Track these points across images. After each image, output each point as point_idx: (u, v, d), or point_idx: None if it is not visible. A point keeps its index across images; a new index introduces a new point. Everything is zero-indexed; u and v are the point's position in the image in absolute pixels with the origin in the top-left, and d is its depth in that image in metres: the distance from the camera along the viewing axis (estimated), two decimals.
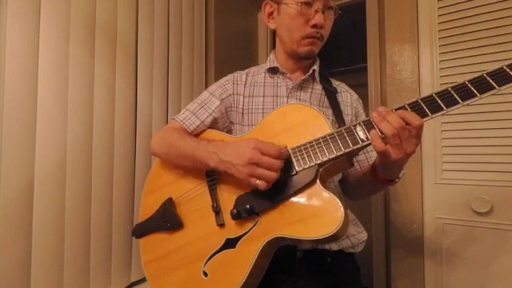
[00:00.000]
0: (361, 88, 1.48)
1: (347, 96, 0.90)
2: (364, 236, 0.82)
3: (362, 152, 0.86)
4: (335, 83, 0.92)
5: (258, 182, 0.61)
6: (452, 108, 0.57)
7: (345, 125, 0.80)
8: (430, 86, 1.33)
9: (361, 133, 0.62)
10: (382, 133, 0.58)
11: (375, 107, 1.50)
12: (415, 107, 0.59)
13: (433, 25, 1.34)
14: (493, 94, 0.56)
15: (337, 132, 0.64)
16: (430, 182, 1.32)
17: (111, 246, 1.02)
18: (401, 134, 0.57)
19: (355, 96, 0.93)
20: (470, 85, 0.57)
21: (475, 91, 0.56)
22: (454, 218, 1.27)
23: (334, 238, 0.60)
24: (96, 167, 0.96)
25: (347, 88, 0.93)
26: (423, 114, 0.58)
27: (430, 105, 0.58)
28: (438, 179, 1.30)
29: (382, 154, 0.60)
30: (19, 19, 0.79)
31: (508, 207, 1.18)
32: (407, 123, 0.57)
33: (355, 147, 0.62)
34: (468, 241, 1.24)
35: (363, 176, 0.81)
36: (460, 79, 0.58)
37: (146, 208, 0.80)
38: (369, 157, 0.86)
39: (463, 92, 0.57)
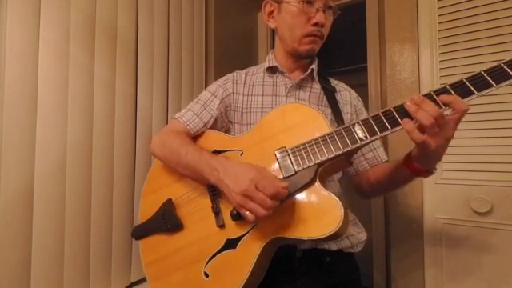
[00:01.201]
0: (361, 88, 1.47)
1: (346, 94, 0.90)
2: (363, 236, 0.82)
3: (369, 149, 0.86)
4: (334, 82, 0.92)
5: (247, 213, 0.60)
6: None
7: (344, 123, 0.80)
8: (430, 86, 1.33)
9: (359, 132, 0.62)
10: (418, 123, 0.56)
11: (375, 107, 1.50)
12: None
13: (433, 25, 1.34)
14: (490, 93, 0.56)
15: (335, 131, 0.64)
16: (430, 181, 1.32)
17: (111, 246, 1.02)
18: (439, 122, 0.55)
19: (354, 94, 0.93)
20: (467, 82, 0.57)
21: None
22: (453, 217, 1.27)
23: (334, 237, 0.60)
24: (96, 167, 0.96)
25: (346, 87, 0.93)
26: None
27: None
28: (438, 179, 1.30)
29: (421, 145, 0.58)
30: (19, 19, 0.79)
31: (508, 207, 1.18)
32: (453, 109, 0.55)
33: (354, 146, 0.62)
34: (468, 241, 1.24)
35: (392, 170, 0.78)
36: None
37: (146, 209, 0.79)
38: (377, 154, 0.86)
39: (462, 89, 0.57)
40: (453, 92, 0.57)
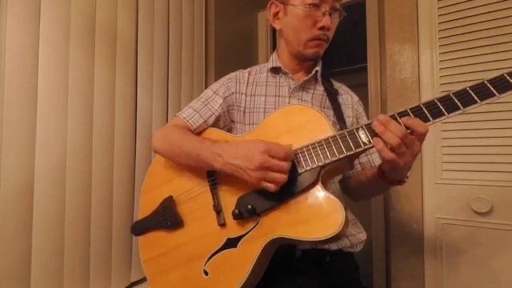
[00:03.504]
0: (361, 88, 1.48)
1: (348, 98, 0.90)
2: (363, 236, 0.82)
3: (364, 154, 0.87)
4: (336, 85, 0.92)
5: (268, 185, 0.62)
6: (453, 114, 0.58)
7: (345, 126, 0.80)
8: (429, 86, 1.33)
9: (363, 136, 0.62)
10: (386, 143, 0.58)
11: (375, 107, 1.50)
12: (417, 112, 0.59)
13: (433, 25, 1.34)
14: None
15: (339, 134, 0.64)
16: (430, 182, 1.32)
17: (111, 246, 1.02)
18: (405, 142, 0.57)
19: (356, 98, 0.93)
20: (470, 91, 0.58)
21: (476, 98, 0.57)
22: (453, 218, 1.27)
23: (335, 238, 0.61)
24: (96, 167, 0.96)
25: (348, 90, 0.93)
26: (425, 119, 0.58)
27: (432, 110, 0.58)
28: (438, 179, 1.30)
29: (390, 163, 0.60)
30: (19, 19, 0.79)
31: (508, 207, 1.18)
32: (412, 130, 0.57)
33: (357, 150, 0.62)
34: (468, 241, 1.24)
35: (370, 178, 0.81)
36: (460, 79, 0.58)
37: (146, 205, 0.79)
38: (371, 159, 0.87)
39: (464, 98, 0.58)
40: (412, 115, 0.59)
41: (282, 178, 0.61)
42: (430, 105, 0.59)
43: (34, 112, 0.81)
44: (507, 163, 1.18)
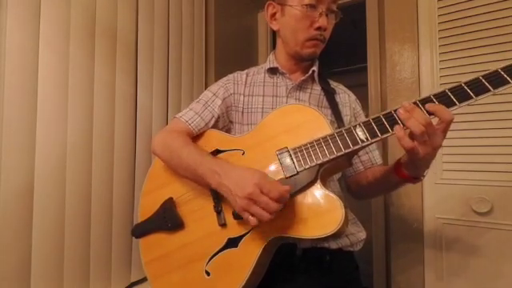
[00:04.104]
0: (361, 88, 1.48)
1: (345, 97, 0.90)
2: (363, 235, 0.83)
3: (364, 152, 0.87)
4: (333, 84, 0.92)
5: (250, 217, 0.60)
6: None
7: (343, 125, 0.80)
8: (429, 86, 1.33)
9: (360, 133, 0.62)
10: (408, 130, 0.58)
11: (375, 107, 1.50)
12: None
13: (433, 25, 1.34)
14: (493, 94, 0.57)
15: (337, 132, 0.65)
16: (430, 181, 1.32)
17: (111, 246, 1.02)
18: (428, 131, 0.57)
19: (353, 97, 0.93)
20: (465, 87, 0.58)
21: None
22: (453, 217, 1.27)
23: (334, 236, 0.61)
24: (96, 167, 0.96)
25: (345, 89, 0.94)
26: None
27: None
28: (438, 179, 1.30)
29: (410, 152, 0.59)
30: (19, 19, 0.79)
31: (508, 207, 1.18)
32: (438, 117, 0.57)
33: (355, 148, 0.62)
34: (468, 241, 1.24)
35: (381, 175, 0.79)
36: (460, 79, 0.58)
37: (146, 207, 0.79)
38: (372, 156, 0.87)
39: (461, 93, 0.58)
40: (436, 101, 0.59)
41: (266, 216, 0.59)
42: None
43: (33, 112, 0.81)
44: (507, 163, 1.18)
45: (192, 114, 0.82)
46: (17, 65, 0.78)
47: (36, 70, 0.82)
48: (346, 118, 0.86)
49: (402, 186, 0.75)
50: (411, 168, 0.68)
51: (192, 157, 0.71)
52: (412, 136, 0.58)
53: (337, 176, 0.86)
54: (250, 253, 0.65)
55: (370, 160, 0.87)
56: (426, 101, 0.59)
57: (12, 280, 0.76)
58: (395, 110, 0.61)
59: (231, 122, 0.86)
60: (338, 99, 0.88)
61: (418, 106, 0.59)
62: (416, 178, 0.70)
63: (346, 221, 0.62)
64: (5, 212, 0.75)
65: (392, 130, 0.60)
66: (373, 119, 0.63)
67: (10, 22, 0.77)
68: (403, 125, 0.59)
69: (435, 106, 0.58)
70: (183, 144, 0.74)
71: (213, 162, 0.68)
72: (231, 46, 1.69)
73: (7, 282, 0.75)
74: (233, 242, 0.68)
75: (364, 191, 0.89)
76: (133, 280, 1.09)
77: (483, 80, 0.57)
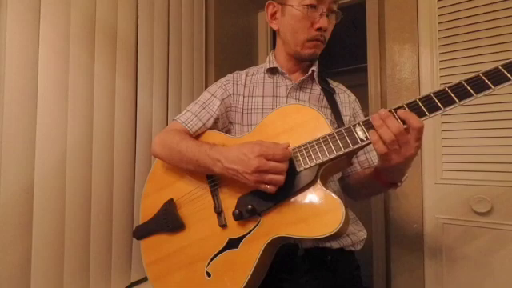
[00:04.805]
0: (361, 88, 1.48)
1: (345, 97, 0.90)
2: (364, 234, 0.83)
3: (362, 152, 0.87)
4: (333, 84, 0.92)
5: (267, 186, 0.62)
6: (449, 107, 0.58)
7: (343, 125, 0.81)
8: (429, 86, 1.33)
9: (360, 133, 0.62)
10: (380, 138, 0.58)
11: (375, 107, 1.50)
12: (413, 107, 0.59)
13: (433, 25, 1.34)
14: (489, 94, 0.57)
15: (337, 132, 0.65)
16: (430, 181, 1.32)
17: (111, 246, 1.02)
18: (399, 140, 0.57)
19: (353, 97, 0.93)
20: (466, 84, 0.58)
21: (471, 91, 0.57)
22: (453, 217, 1.27)
23: (335, 236, 0.61)
24: (96, 167, 0.96)
25: (345, 89, 0.94)
26: (421, 114, 0.58)
27: (428, 104, 0.59)
28: (438, 179, 1.30)
29: (383, 157, 0.61)
30: (19, 19, 0.78)
31: (508, 207, 1.18)
32: (408, 125, 0.57)
33: (355, 147, 0.62)
34: (468, 241, 1.24)
35: (366, 178, 0.81)
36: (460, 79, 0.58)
37: (147, 209, 0.79)
38: (369, 157, 0.87)
39: (460, 91, 0.58)
40: (407, 109, 0.59)
41: (280, 178, 0.62)
42: (426, 99, 0.59)
43: (34, 112, 0.81)
44: (507, 163, 1.18)
45: (189, 115, 0.82)
46: (17, 65, 0.78)
47: (36, 70, 0.82)
48: (346, 118, 0.86)
49: (386, 190, 0.76)
50: (385, 174, 0.69)
51: (191, 149, 0.72)
52: (384, 143, 0.58)
53: (337, 176, 0.86)
54: (251, 253, 0.65)
55: (367, 160, 0.87)
56: (398, 107, 0.60)
57: (12, 280, 0.76)
58: (396, 108, 0.61)
59: (231, 122, 0.86)
60: (337, 99, 0.88)
61: (392, 114, 0.59)
62: (392, 183, 0.71)
63: (347, 220, 0.62)
64: (5, 212, 0.75)
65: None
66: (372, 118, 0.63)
67: (10, 22, 0.77)
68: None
69: (406, 114, 0.58)
70: (181, 139, 0.75)
71: (211, 150, 0.69)
72: (231, 46, 1.69)
73: (7, 282, 0.75)
74: (233, 243, 0.68)
75: (355, 193, 0.89)
76: (133, 280, 1.09)
77: (483, 77, 0.58)
